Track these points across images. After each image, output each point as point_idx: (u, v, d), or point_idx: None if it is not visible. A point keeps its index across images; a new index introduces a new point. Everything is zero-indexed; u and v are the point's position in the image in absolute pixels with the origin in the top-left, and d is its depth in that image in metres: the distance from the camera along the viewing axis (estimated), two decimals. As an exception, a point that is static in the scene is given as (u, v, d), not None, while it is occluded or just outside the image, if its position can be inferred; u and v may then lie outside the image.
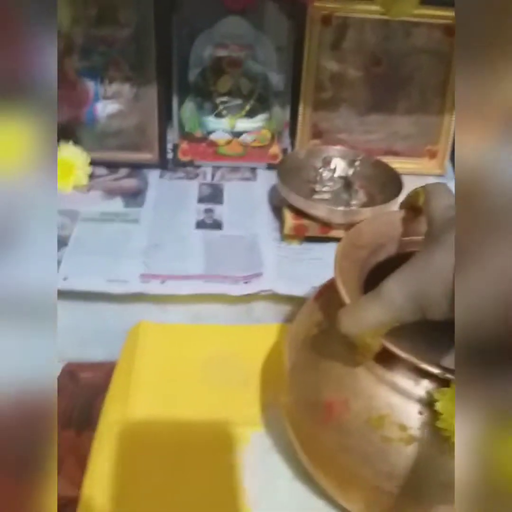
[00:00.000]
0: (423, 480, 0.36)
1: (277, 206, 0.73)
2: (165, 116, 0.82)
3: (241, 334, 0.62)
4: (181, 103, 0.83)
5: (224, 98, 0.82)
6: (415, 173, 0.84)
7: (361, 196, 0.70)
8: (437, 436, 0.34)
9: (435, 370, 0.34)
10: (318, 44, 0.78)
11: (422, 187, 0.43)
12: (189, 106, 0.83)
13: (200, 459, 0.50)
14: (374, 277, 0.41)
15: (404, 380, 0.36)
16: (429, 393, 0.35)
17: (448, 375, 0.34)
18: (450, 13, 0.76)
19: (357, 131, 0.83)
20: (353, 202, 0.69)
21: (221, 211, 0.74)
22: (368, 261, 0.42)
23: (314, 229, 0.67)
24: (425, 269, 0.32)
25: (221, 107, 0.82)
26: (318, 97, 0.81)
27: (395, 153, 0.84)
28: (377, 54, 0.80)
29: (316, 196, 0.69)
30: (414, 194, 0.44)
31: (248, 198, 0.77)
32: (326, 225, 0.66)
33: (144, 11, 0.74)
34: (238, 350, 0.60)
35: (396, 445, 0.36)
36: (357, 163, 0.69)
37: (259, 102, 0.82)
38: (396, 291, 0.33)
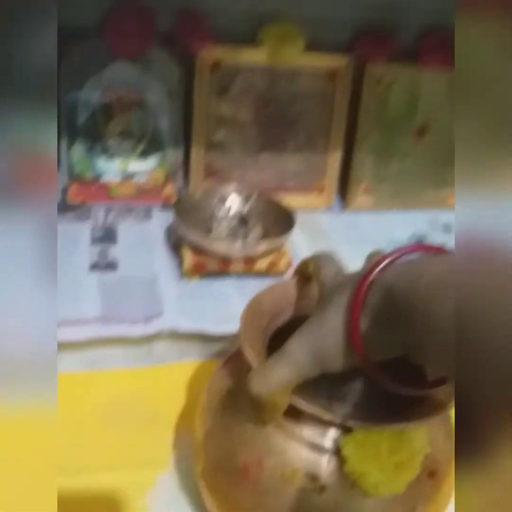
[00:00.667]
0: None
1: (175, 244, 0.73)
2: (53, 158, 0.79)
3: (142, 377, 0.60)
4: (70, 145, 0.81)
5: (115, 140, 0.81)
6: (305, 207, 0.87)
7: (257, 232, 0.71)
8: (346, 481, 0.36)
9: (337, 420, 0.36)
10: (208, 89, 0.80)
11: (310, 257, 0.46)
12: (79, 148, 0.81)
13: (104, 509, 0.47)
14: (275, 341, 0.43)
15: (311, 433, 0.37)
16: (335, 442, 0.37)
17: (350, 422, 0.35)
18: (331, 60, 0.82)
19: (250, 169, 0.86)
20: (250, 236, 0.70)
21: (115, 252, 0.72)
22: (269, 327, 0.45)
23: (213, 265, 0.67)
24: (320, 328, 0.36)
25: (112, 149, 0.82)
26: (210, 139, 0.83)
27: (287, 189, 0.87)
28: (266, 97, 0.83)
29: (214, 233, 0.70)
30: (304, 264, 0.47)
31: (143, 238, 0.76)
32: (225, 260, 0.67)
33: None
34: (140, 393, 0.57)
35: (310, 496, 0.37)
36: (251, 200, 0.70)
37: (151, 144, 0.82)
38: (298, 349, 0.36)
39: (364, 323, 0.34)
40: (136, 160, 0.82)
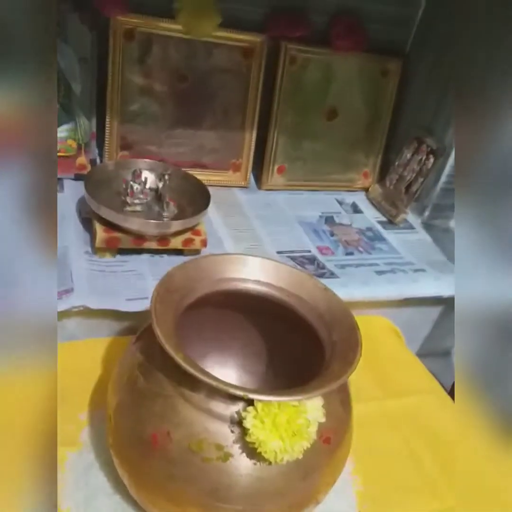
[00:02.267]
0: (241, 490, 0.40)
1: (87, 218, 0.72)
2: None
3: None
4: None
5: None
6: (221, 184, 0.89)
7: (172, 209, 0.71)
8: (249, 449, 0.39)
9: (240, 393, 0.38)
10: (122, 57, 0.78)
11: None
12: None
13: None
14: (187, 317, 0.45)
15: (217, 405, 0.40)
16: (238, 413, 0.39)
17: (251, 396, 0.38)
18: (247, 36, 0.82)
19: (166, 144, 0.85)
20: (165, 214, 0.70)
21: (25, 226, 0.69)
22: (181, 303, 0.46)
23: (126, 242, 0.67)
24: None
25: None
26: (125, 110, 0.81)
27: (203, 166, 0.88)
28: (182, 71, 0.83)
29: (128, 209, 0.70)
30: None
31: (55, 211, 0.74)
32: (139, 237, 0.67)
33: None
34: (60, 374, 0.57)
35: (215, 464, 0.40)
36: (166, 176, 0.70)
37: (64, 112, 0.79)
38: None
39: None
40: (46, 128, 0.79)
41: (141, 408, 0.42)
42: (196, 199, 0.73)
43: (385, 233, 0.89)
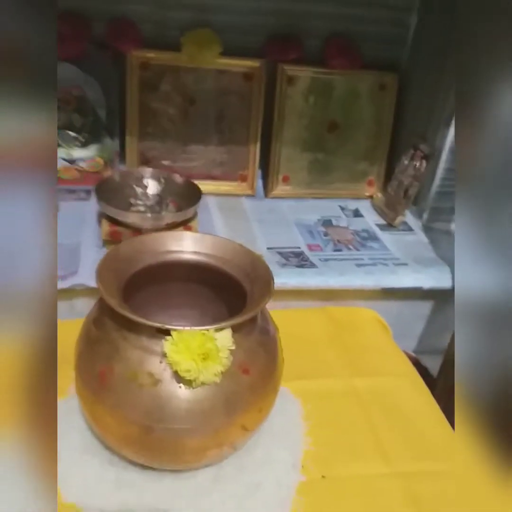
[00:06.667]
0: (170, 410, 0.48)
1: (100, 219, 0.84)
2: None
3: (65, 329, 0.70)
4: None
5: (61, 132, 0.93)
6: (231, 194, 0.99)
7: (171, 209, 0.82)
8: (173, 375, 0.47)
9: (159, 325, 0.47)
10: (139, 86, 0.92)
11: None
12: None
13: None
14: (131, 284, 0.55)
15: (149, 341, 0.48)
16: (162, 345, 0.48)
17: (167, 326, 0.46)
18: (247, 62, 0.94)
19: (180, 159, 0.98)
20: (163, 213, 0.81)
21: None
22: (126, 271, 0.56)
23: (127, 234, 0.78)
24: None
25: (58, 139, 0.93)
26: (143, 130, 0.95)
27: (213, 178, 0.99)
28: (192, 95, 0.95)
29: (132, 209, 0.82)
30: None
31: (79, 214, 0.87)
32: (138, 230, 0.78)
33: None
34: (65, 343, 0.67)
35: (149, 389, 0.48)
36: (162, 180, 0.82)
37: (91, 134, 0.94)
38: None
39: None
40: (79, 148, 0.94)
41: (93, 353, 0.51)
42: (191, 198, 0.83)
43: (380, 233, 0.94)
